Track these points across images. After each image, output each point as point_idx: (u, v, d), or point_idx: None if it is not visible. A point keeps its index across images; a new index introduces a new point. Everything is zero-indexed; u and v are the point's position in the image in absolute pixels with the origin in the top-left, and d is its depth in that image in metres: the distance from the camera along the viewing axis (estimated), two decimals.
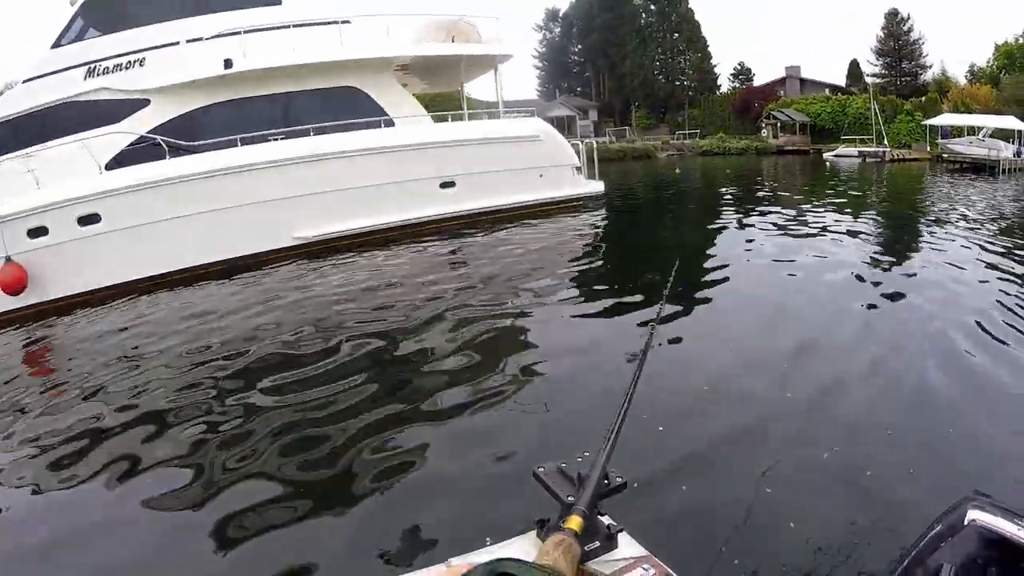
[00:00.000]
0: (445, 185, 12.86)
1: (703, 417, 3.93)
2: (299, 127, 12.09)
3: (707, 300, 6.89)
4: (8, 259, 10.29)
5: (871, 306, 6.35)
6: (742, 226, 12.51)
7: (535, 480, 1.23)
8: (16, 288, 10.28)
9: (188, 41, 12.01)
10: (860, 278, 7.52)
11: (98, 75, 11.79)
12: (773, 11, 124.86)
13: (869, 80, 55.51)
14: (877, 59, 57.21)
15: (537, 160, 13.96)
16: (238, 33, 12.00)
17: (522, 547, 1.16)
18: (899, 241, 10.88)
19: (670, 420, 3.77)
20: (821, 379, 4.45)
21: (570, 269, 9.24)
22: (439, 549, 2.71)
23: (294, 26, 12.36)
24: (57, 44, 11.90)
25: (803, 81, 53.70)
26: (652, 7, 58.09)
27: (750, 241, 10.62)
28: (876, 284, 7.24)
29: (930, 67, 56.17)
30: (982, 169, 26.61)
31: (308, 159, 11.66)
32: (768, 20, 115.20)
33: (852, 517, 2.81)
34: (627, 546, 1.18)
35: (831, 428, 3.74)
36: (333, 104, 12.54)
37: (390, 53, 13.02)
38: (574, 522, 1.04)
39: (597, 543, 1.13)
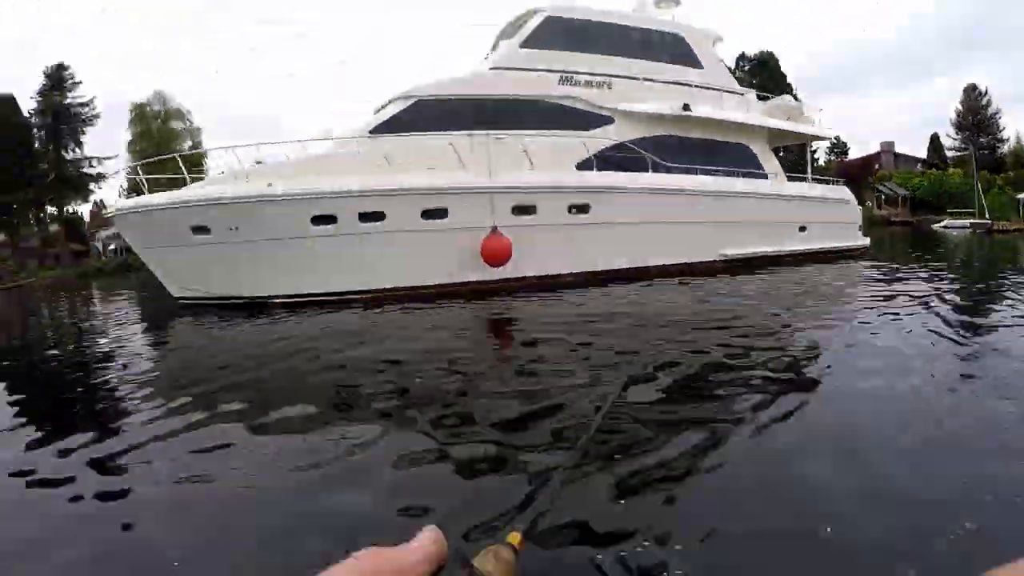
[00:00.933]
0: (801, 228, 16.79)
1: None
2: (712, 168, 15.15)
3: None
4: (495, 229, 11.00)
5: None
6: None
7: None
8: (500, 259, 11.03)
9: (645, 79, 14.82)
10: None
11: (571, 84, 13.91)
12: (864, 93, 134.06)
13: (950, 154, 59.35)
14: (957, 133, 60.24)
15: (846, 216, 18.20)
16: (689, 86, 15.44)
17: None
18: None
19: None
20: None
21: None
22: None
23: (724, 91, 16.29)
24: (525, 44, 13.70)
25: (896, 155, 58.22)
26: (746, 66, 61.59)
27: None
28: None
29: (1007, 140, 58.68)
30: None
31: (739, 195, 15.11)
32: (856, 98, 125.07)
33: None
34: None
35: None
36: (732, 154, 16.18)
37: (771, 124, 17.01)
38: (514, 538, 0.92)
39: None
